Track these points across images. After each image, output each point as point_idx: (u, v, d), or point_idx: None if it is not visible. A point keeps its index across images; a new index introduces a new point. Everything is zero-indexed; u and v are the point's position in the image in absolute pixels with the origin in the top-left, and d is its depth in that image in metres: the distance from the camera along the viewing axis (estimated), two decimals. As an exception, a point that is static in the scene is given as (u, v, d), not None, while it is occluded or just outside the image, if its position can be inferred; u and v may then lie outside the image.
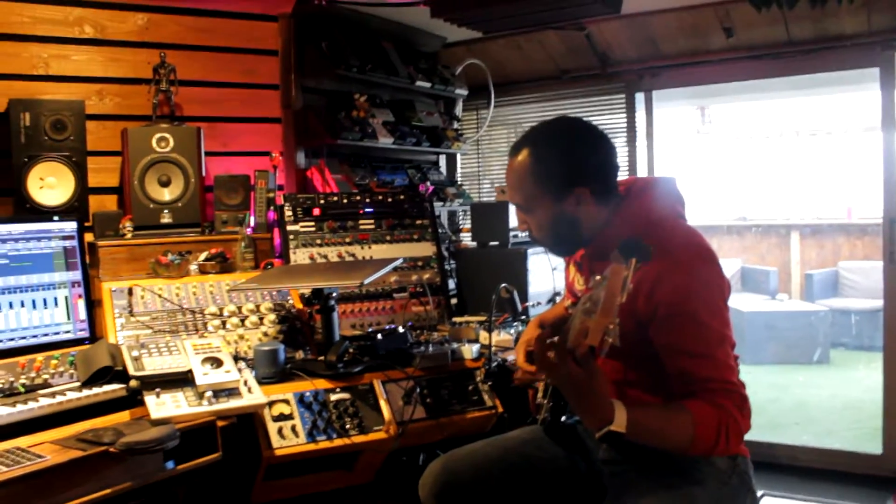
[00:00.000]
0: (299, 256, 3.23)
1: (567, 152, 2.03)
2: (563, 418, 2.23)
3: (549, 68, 5.11)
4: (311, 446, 2.43)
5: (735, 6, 4.13)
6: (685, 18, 4.37)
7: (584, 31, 4.65)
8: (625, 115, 4.94)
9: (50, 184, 3.23)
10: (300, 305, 2.99)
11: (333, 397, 2.54)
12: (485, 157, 5.53)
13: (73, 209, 3.21)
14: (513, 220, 3.56)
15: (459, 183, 5.08)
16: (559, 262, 3.49)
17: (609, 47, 4.78)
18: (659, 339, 1.89)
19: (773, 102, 8.90)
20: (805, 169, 9.99)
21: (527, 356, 2.43)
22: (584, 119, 2.14)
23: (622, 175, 2.16)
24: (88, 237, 3.15)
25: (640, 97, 4.90)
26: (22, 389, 2.34)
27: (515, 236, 3.59)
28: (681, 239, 1.97)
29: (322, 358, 2.67)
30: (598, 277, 1.63)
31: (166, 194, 3.42)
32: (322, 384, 2.56)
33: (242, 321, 2.87)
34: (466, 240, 4.65)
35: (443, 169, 5.14)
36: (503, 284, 2.97)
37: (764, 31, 4.27)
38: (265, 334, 2.86)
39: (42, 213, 3.12)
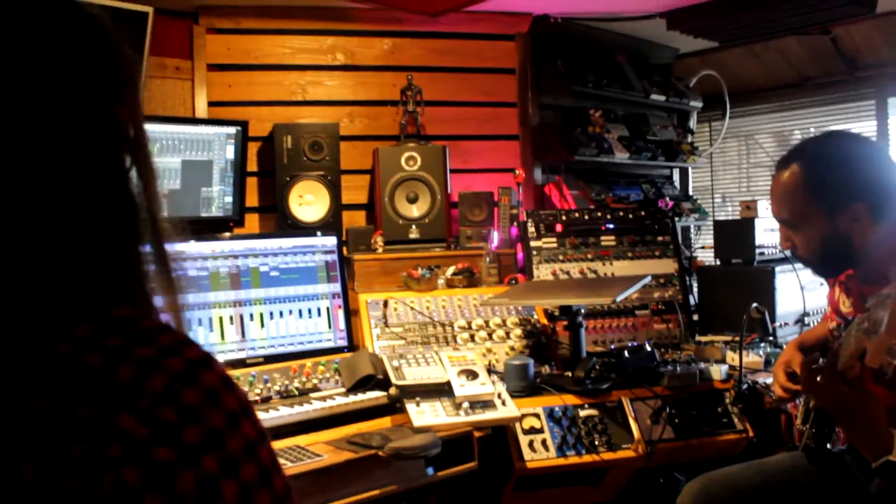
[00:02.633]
0: (542, 272, 3.28)
1: (843, 165, 1.95)
2: (829, 446, 2.13)
3: (788, 76, 4.88)
4: (561, 461, 2.45)
5: None
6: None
7: (830, 34, 4.41)
8: (875, 122, 4.63)
9: (308, 201, 3.48)
10: (545, 321, 3.04)
11: (582, 413, 2.56)
12: (717, 170, 5.36)
13: (329, 225, 3.45)
14: (759, 237, 3.43)
15: (695, 198, 4.95)
16: (809, 281, 3.33)
17: (858, 50, 4.50)
18: None
19: None
20: None
21: (787, 378, 2.34)
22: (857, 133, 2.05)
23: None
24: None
25: (893, 102, 4.57)
26: (296, 392, 2.55)
27: (762, 254, 3.45)
28: None
29: (569, 373, 2.70)
30: (883, 293, 1.56)
31: (414, 210, 3.59)
32: (570, 399, 2.59)
33: (490, 335, 2.95)
34: (702, 256, 4.53)
35: (676, 183, 5.03)
36: (755, 304, 2.87)
37: None
38: (512, 348, 2.93)
39: (302, 229, 3.37)
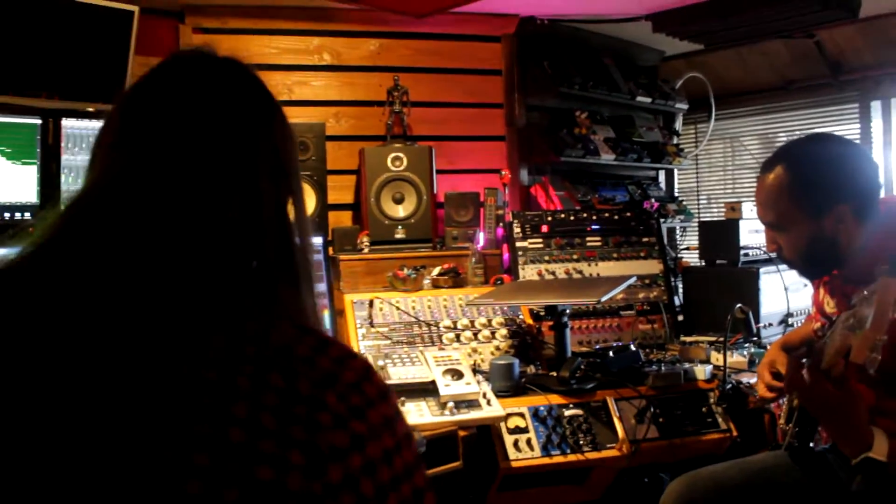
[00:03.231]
0: (528, 272, 3.29)
1: (827, 167, 1.96)
2: (811, 445, 2.14)
3: (772, 79, 4.91)
4: (546, 460, 2.46)
5: None
6: (933, 18, 4.08)
7: (814, 38, 4.44)
8: (858, 124, 4.66)
9: (294, 201, 3.47)
10: (530, 321, 3.05)
11: (567, 413, 2.57)
12: (702, 172, 5.39)
13: (314, 225, 3.44)
14: (744, 238, 3.45)
15: (680, 199, 4.98)
16: (793, 282, 3.35)
17: (842, 54, 4.53)
18: None
19: None
20: None
21: (772, 378, 2.36)
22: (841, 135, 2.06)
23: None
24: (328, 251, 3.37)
25: (876, 105, 4.61)
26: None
27: (746, 255, 3.48)
28: None
29: (554, 373, 2.71)
30: (865, 293, 1.58)
31: (400, 211, 3.59)
32: (555, 399, 2.60)
33: (475, 335, 2.96)
34: (687, 257, 4.55)
35: (662, 185, 5.06)
36: (739, 305, 2.88)
37: None
38: (497, 348, 2.93)
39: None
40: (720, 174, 5.35)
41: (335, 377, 0.80)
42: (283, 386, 0.76)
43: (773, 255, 2.15)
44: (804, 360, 1.68)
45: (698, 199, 5.36)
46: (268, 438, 0.73)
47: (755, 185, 2.14)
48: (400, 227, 3.57)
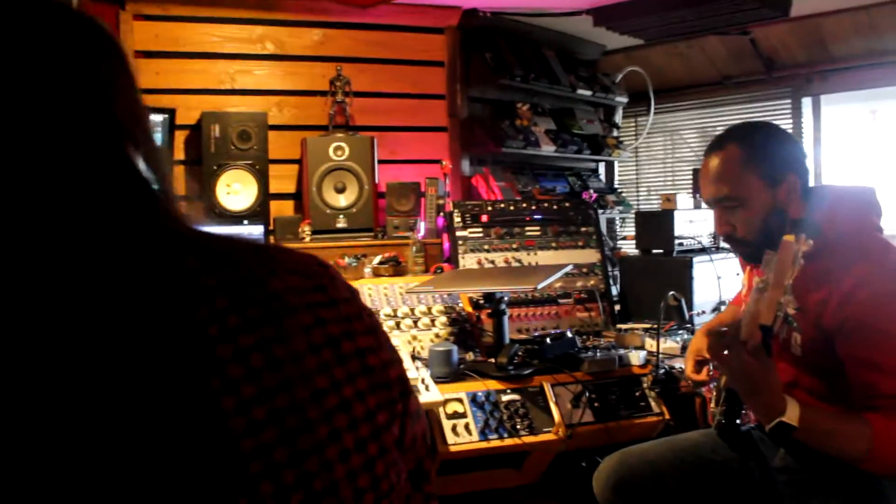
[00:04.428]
0: (468, 261, 3.33)
1: (776, 139, 2.05)
2: (738, 422, 2.22)
3: (710, 74, 5.03)
4: (483, 444, 2.50)
5: (917, 4, 3.96)
6: (860, 18, 4.22)
7: (749, 35, 4.56)
8: (791, 119, 4.81)
9: (236, 190, 3.47)
10: (469, 309, 3.09)
11: (504, 398, 2.61)
12: (642, 164, 5.50)
13: (256, 214, 3.44)
14: (679, 229, 3.54)
15: (619, 190, 5.07)
16: (725, 271, 3.44)
17: (775, 51, 4.66)
18: (846, 351, 1.85)
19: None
20: None
21: (696, 365, 2.44)
22: None
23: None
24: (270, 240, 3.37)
25: (807, 102, 4.76)
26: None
27: (681, 244, 3.56)
28: (878, 252, 1.92)
29: (492, 360, 2.74)
30: (767, 254, 1.65)
31: (342, 200, 3.61)
32: (493, 385, 2.63)
33: (416, 322, 2.98)
34: (625, 247, 4.65)
35: (602, 176, 5.15)
36: (672, 292, 2.96)
37: (948, 30, 4.08)
38: (437, 335, 2.97)
39: (230, 218, 3.36)
40: (660, 166, 5.46)
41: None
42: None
43: (722, 237, 2.15)
44: (725, 331, 1.74)
45: (637, 191, 5.46)
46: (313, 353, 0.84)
47: (694, 175, 2.19)
48: (341, 216, 3.58)
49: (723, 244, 3.53)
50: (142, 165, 0.85)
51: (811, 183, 2.11)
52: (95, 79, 0.84)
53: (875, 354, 1.80)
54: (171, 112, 3.40)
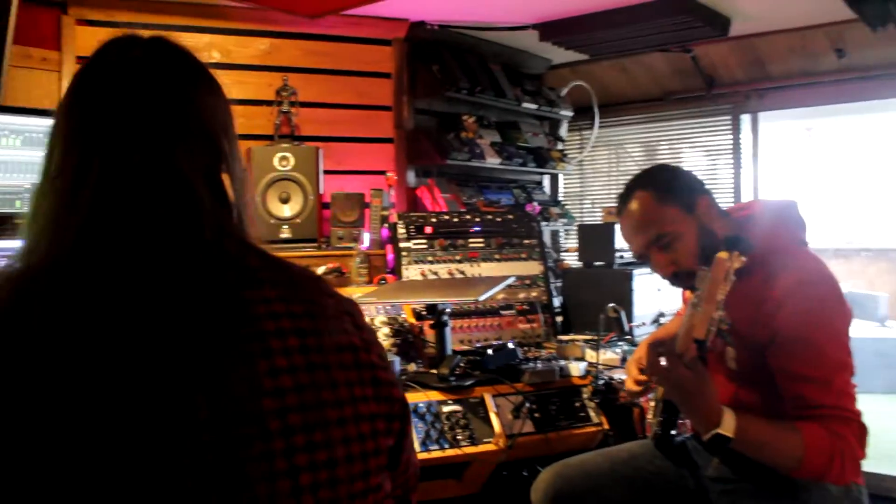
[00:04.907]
0: (411, 272, 3.34)
1: (675, 173, 2.16)
2: (673, 433, 2.27)
3: (653, 90, 5.14)
4: (424, 455, 2.51)
5: (848, 27, 4.09)
6: (795, 40, 4.35)
7: (691, 53, 4.67)
8: (730, 135, 4.93)
9: (179, 199, 3.43)
10: (412, 320, 3.10)
11: (446, 409, 2.63)
12: (587, 177, 5.58)
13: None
14: (619, 241, 3.59)
15: (563, 203, 5.14)
16: (664, 283, 3.49)
17: (715, 69, 4.78)
18: (776, 364, 1.91)
19: (886, 116, 8.52)
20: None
21: (638, 373, 2.49)
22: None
23: (726, 197, 2.20)
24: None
25: (745, 118, 4.88)
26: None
27: (621, 257, 3.63)
28: (803, 266, 1.98)
29: (434, 371, 2.77)
30: (702, 271, 1.70)
31: (286, 210, 3.60)
32: (435, 396, 2.65)
33: (359, 333, 2.99)
34: (569, 259, 4.71)
35: (546, 189, 5.21)
36: (612, 304, 3.01)
37: (878, 52, 4.21)
38: (380, 346, 2.97)
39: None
40: (604, 179, 5.55)
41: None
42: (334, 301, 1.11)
43: (669, 279, 2.16)
44: (661, 347, 1.79)
45: (582, 204, 5.54)
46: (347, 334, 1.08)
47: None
48: (285, 226, 3.58)
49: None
50: (227, 182, 1.08)
51: (750, 198, 2.19)
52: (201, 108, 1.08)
53: (803, 367, 1.85)
54: (115, 119, 3.36)
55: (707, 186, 2.16)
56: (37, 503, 0.85)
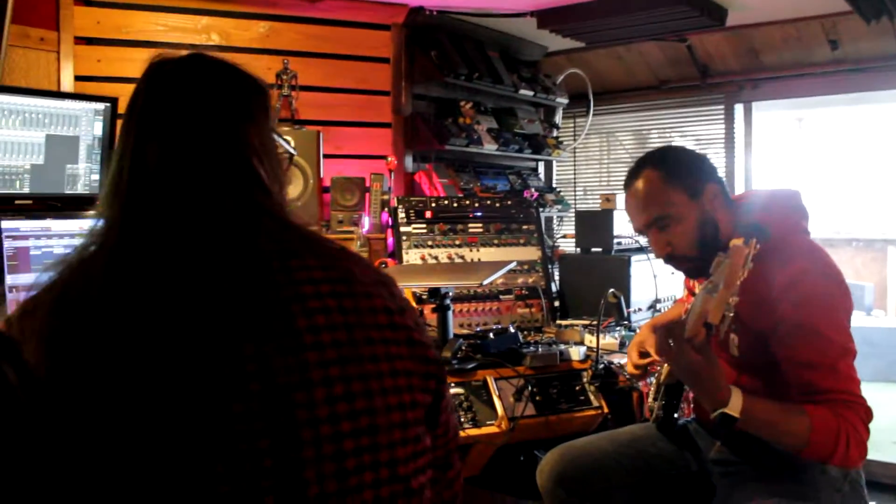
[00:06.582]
0: (411, 257, 3.36)
1: (687, 155, 2.18)
2: (675, 416, 2.31)
3: (648, 78, 5.16)
4: (427, 437, 2.54)
5: (842, 18, 4.12)
6: (789, 31, 4.38)
7: (686, 42, 4.70)
8: (723, 125, 4.96)
9: (178, 181, 3.43)
10: (413, 303, 3.12)
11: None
12: (580, 164, 5.60)
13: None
14: (617, 228, 3.63)
15: (558, 190, 5.17)
16: (661, 270, 3.55)
17: (710, 58, 4.81)
18: (781, 351, 1.94)
19: (876, 108, 8.58)
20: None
21: (640, 357, 2.52)
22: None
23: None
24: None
25: (738, 108, 4.91)
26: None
27: (619, 244, 3.66)
28: (805, 254, 2.01)
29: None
30: (719, 259, 1.73)
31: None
32: (438, 378, 2.68)
33: (360, 316, 3.00)
34: (564, 245, 4.74)
35: (541, 175, 5.23)
36: (611, 290, 3.05)
37: (872, 44, 4.25)
38: (382, 329, 2.99)
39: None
40: (596, 167, 5.57)
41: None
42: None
43: (663, 258, 2.19)
44: (671, 327, 1.82)
45: (575, 190, 5.57)
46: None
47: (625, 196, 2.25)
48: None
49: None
50: (264, 174, 1.20)
51: (742, 188, 2.22)
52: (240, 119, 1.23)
53: (810, 354, 1.88)
54: (114, 101, 3.34)
55: (714, 168, 2.19)
56: (114, 436, 0.98)
